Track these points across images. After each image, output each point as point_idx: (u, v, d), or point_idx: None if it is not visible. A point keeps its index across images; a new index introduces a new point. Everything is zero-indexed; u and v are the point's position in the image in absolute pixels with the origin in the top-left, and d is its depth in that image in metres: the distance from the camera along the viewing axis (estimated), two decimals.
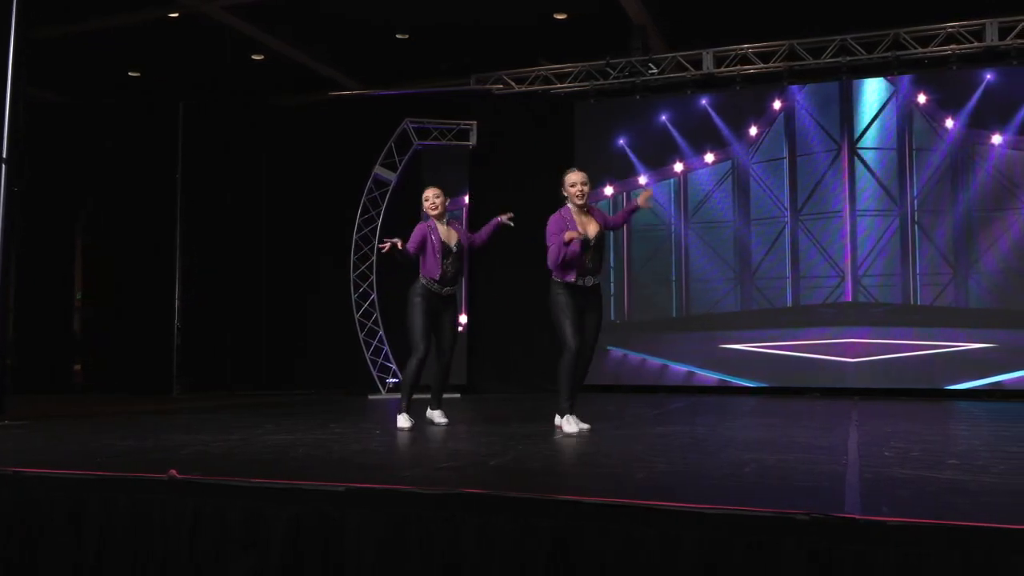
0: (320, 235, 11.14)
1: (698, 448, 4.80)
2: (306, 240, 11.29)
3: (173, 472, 3.39)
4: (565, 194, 5.55)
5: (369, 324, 10.01)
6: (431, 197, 6.03)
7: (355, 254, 10.10)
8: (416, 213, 10.32)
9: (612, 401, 8.89)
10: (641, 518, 2.76)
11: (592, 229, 5.49)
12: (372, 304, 10.04)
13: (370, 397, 9.64)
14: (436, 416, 6.15)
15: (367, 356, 9.92)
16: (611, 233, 8.76)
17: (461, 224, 6.24)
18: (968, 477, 3.65)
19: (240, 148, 11.39)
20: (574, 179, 5.49)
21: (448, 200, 6.18)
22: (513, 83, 10.62)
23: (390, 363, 9.96)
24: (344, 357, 10.39)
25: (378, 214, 10.12)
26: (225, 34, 9.77)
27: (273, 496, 3.21)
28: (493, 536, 2.89)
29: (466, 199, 10.39)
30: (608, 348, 10.47)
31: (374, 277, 10.05)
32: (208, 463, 4.07)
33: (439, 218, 6.03)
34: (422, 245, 5.93)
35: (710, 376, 10.06)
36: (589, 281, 5.50)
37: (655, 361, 10.32)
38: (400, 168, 10.14)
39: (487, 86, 10.63)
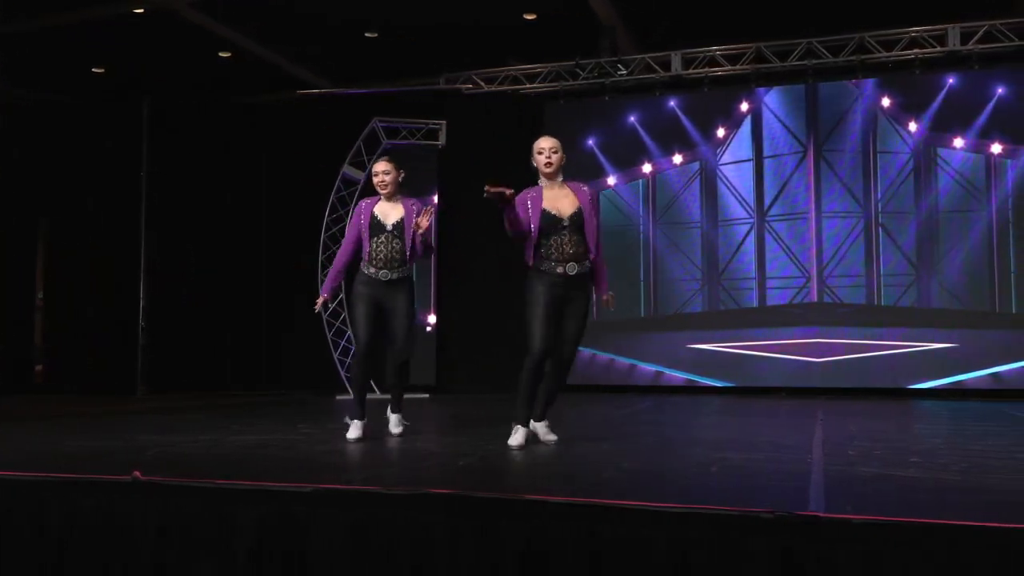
0: (288, 234, 11.07)
1: (665, 448, 4.83)
2: (274, 239, 11.21)
3: (137, 474, 3.34)
4: (534, 164, 4.73)
5: (337, 324, 9.95)
6: (380, 173, 5.17)
7: (323, 253, 10.03)
8: None
9: (580, 401, 8.91)
10: (608, 517, 2.77)
11: (566, 205, 4.64)
12: (340, 303, 9.98)
13: (338, 397, 9.59)
14: (392, 422, 5.46)
15: (335, 356, 9.86)
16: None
17: (421, 204, 5.31)
18: (929, 475, 3.71)
19: (207, 146, 11.28)
20: (541, 145, 4.68)
21: (402, 175, 5.26)
22: (483, 83, 10.62)
23: None
24: (312, 357, 10.32)
25: (347, 213, 10.05)
26: (191, 31, 9.67)
27: (239, 497, 3.19)
28: (461, 536, 2.88)
29: (435, 199, 10.36)
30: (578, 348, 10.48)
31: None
32: (173, 464, 4.03)
33: (388, 196, 5.19)
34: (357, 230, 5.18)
35: (678, 376, 10.13)
36: (572, 269, 4.62)
37: (623, 361, 10.36)
38: (369, 167, 10.09)
39: (457, 86, 10.62)
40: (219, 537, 3.12)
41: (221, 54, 10.45)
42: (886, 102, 9.77)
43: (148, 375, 10.56)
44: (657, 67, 10.14)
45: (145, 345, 10.54)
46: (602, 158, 10.58)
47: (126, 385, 10.38)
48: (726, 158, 10.24)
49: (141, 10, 9.16)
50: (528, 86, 10.57)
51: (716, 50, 9.93)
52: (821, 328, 9.64)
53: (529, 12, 9.45)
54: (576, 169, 10.59)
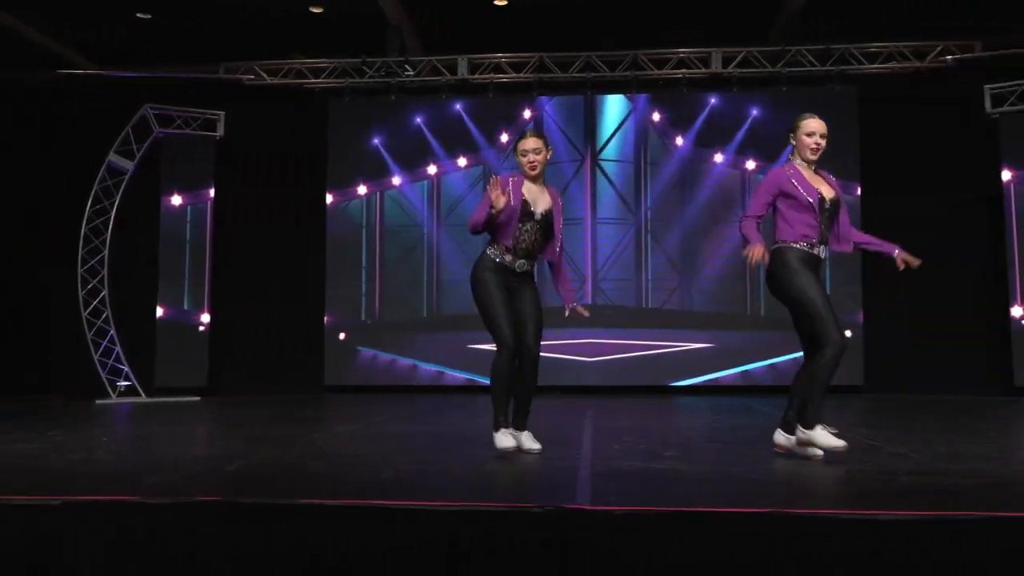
0: (46, 226, 10.14)
1: (443, 447, 4.88)
2: (28, 231, 10.24)
3: None
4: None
5: (99, 323, 9.28)
6: (530, 151, 4.45)
7: (84, 247, 9.33)
8: (155, 206, 9.72)
9: (361, 402, 8.84)
10: (384, 517, 2.76)
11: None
12: (103, 302, 9.32)
13: (97, 402, 8.94)
14: (525, 440, 4.54)
15: (95, 357, 9.19)
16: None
17: (559, 195, 4.72)
18: (686, 466, 3.98)
19: None
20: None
21: (550, 154, 4.59)
22: (265, 75, 10.26)
23: (121, 364, 9.28)
24: (69, 359, 9.56)
25: (111, 204, 9.41)
26: None
27: None
28: (230, 545, 2.77)
29: (211, 192, 9.89)
30: (358, 348, 10.40)
31: (105, 272, 9.32)
32: None
33: (535, 179, 4.50)
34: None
35: (459, 376, 10.26)
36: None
37: (405, 361, 10.37)
38: (138, 157, 9.50)
39: (237, 76, 10.20)
40: None
41: None
42: (656, 117, 10.40)
43: None
44: (444, 70, 10.23)
45: None
46: (387, 157, 10.54)
47: None
48: (509, 163, 10.49)
49: None
50: (313, 81, 10.33)
51: (501, 57, 10.16)
52: (594, 329, 10.08)
53: (315, 5, 9.25)
54: (360, 168, 10.53)
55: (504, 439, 4.39)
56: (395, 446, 4.94)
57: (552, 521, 2.69)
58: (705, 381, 10.05)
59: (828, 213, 4.26)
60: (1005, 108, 9.02)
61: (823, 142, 4.30)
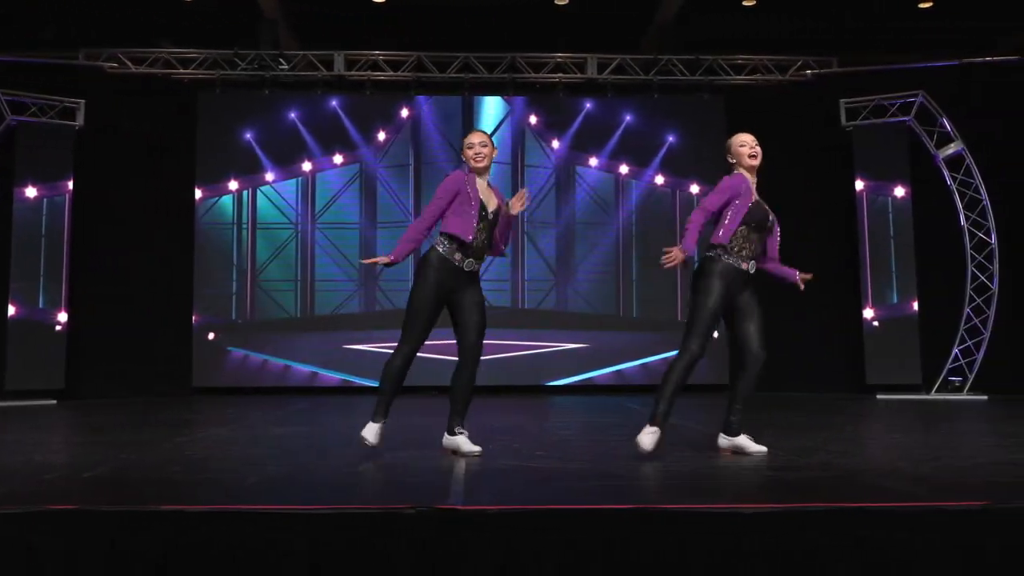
0: None
1: (316, 449, 4.79)
2: None
3: None
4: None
5: None
6: (476, 145, 4.44)
7: None
8: (7, 197, 9.14)
9: (231, 404, 8.56)
10: (248, 523, 2.68)
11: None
12: None
13: None
14: (463, 443, 4.45)
15: None
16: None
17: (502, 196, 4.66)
18: (560, 465, 4.03)
19: None
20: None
21: (495, 153, 4.62)
22: (130, 63, 9.83)
23: None
24: None
25: None
26: None
27: None
28: (86, 558, 2.62)
29: (70, 184, 9.37)
30: (229, 349, 10.09)
31: None
32: None
33: (482, 173, 4.48)
34: (451, 202, 4.38)
35: (333, 376, 10.10)
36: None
37: (277, 362, 10.13)
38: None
39: (99, 63, 9.73)
40: None
41: None
42: (533, 119, 10.52)
43: None
44: (320, 65, 10.05)
45: None
46: (260, 152, 10.26)
47: None
48: (386, 162, 10.41)
49: None
50: (181, 71, 9.97)
51: (379, 54, 10.06)
52: None
53: None
54: (231, 162, 10.21)
55: (368, 431, 4.37)
56: (264, 449, 4.81)
57: (423, 523, 2.67)
58: (580, 381, 10.23)
59: (765, 232, 4.44)
60: (858, 122, 9.54)
61: (758, 148, 4.50)
